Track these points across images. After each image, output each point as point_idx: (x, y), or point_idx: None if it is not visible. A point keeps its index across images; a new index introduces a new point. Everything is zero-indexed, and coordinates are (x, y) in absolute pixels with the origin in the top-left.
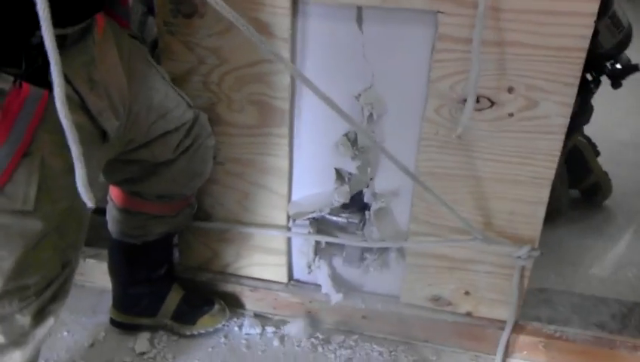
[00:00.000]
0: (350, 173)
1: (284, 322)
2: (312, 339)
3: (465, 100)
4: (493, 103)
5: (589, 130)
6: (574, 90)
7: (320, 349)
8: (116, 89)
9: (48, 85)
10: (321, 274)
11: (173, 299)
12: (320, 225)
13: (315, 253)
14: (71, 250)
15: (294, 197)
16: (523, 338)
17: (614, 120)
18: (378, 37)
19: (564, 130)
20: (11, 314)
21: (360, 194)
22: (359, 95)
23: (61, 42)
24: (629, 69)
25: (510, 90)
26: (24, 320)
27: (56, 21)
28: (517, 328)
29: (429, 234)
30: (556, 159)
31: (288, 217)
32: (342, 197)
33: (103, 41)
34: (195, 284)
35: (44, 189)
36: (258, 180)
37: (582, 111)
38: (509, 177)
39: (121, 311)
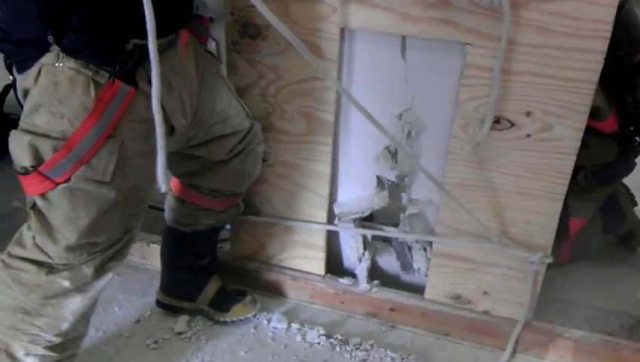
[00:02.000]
0: (390, 181)
1: (310, 321)
2: (332, 339)
3: (491, 123)
4: (513, 125)
5: (633, 178)
6: (585, 117)
7: (337, 349)
8: (188, 94)
9: (135, 84)
10: (359, 268)
11: (212, 288)
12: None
13: (364, 248)
14: (133, 219)
15: (340, 199)
16: (535, 337)
17: None
18: (417, 63)
19: (575, 151)
20: (79, 264)
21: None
22: (400, 115)
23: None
24: None
25: (528, 113)
26: (88, 271)
27: (147, 35)
28: (530, 327)
29: (456, 237)
30: (567, 177)
31: (328, 216)
32: (381, 201)
33: (184, 53)
34: (242, 272)
35: (120, 166)
36: (303, 182)
37: (621, 163)
38: (525, 190)
39: (165, 293)
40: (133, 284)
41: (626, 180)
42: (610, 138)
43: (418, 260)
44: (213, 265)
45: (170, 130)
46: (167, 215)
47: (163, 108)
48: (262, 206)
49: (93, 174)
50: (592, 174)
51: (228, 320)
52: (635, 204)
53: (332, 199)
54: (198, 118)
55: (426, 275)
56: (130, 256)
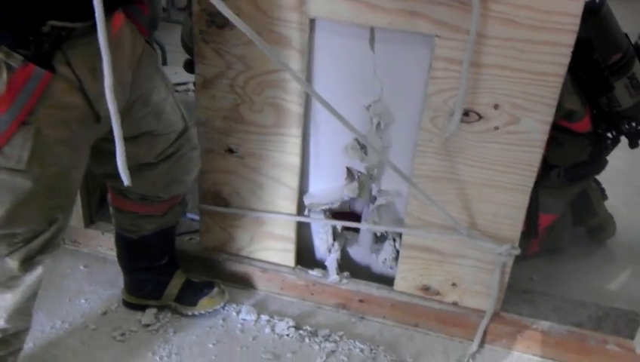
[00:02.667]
0: (360, 172)
1: (279, 313)
2: (301, 331)
3: (460, 116)
4: (481, 117)
5: (606, 172)
6: (552, 110)
7: (307, 340)
8: (118, 82)
9: (52, 68)
10: (329, 260)
11: (176, 284)
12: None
13: (334, 239)
14: (58, 210)
15: (310, 190)
16: (502, 328)
17: (637, 167)
18: (386, 55)
19: (543, 144)
20: (1, 256)
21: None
22: (369, 106)
23: (68, 34)
24: None
25: (496, 106)
26: (13, 264)
27: (67, 16)
28: (498, 318)
29: (424, 229)
30: (535, 169)
31: (298, 208)
32: (351, 192)
33: (116, 39)
34: (211, 263)
35: (36, 154)
36: (272, 174)
37: (593, 161)
38: (493, 183)
39: (130, 293)
40: (100, 276)
41: None
42: (583, 137)
43: (386, 251)
44: (174, 262)
45: (96, 117)
46: (113, 221)
47: (85, 93)
48: (231, 198)
49: (6, 162)
50: (565, 172)
51: (196, 313)
52: (605, 197)
53: (302, 190)
54: (129, 107)
55: (390, 267)
56: (98, 248)
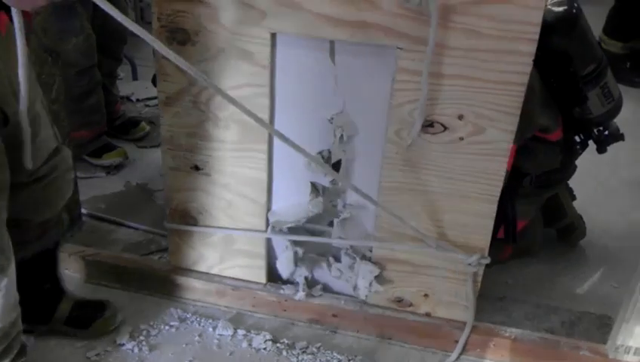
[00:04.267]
0: (324, 187)
1: (256, 327)
2: (278, 344)
3: (421, 126)
4: (446, 128)
5: (578, 174)
6: (516, 119)
7: (284, 353)
8: (9, 82)
9: None
10: (299, 278)
11: (64, 309)
12: (297, 232)
13: (295, 263)
14: None
15: (274, 207)
16: (476, 338)
17: (606, 167)
18: (348, 67)
19: (508, 153)
20: None
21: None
22: (332, 118)
23: None
24: (615, 137)
25: (460, 117)
26: None
27: None
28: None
29: (392, 242)
30: (501, 179)
31: (267, 224)
32: (316, 208)
33: (7, 37)
34: (181, 283)
35: None
36: (240, 190)
37: (564, 168)
38: (460, 193)
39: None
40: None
41: None
42: (555, 145)
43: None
44: (58, 286)
45: (3, 119)
46: None
47: None
48: (200, 216)
49: None
50: (537, 179)
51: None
52: (573, 198)
53: (269, 206)
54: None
55: (366, 296)
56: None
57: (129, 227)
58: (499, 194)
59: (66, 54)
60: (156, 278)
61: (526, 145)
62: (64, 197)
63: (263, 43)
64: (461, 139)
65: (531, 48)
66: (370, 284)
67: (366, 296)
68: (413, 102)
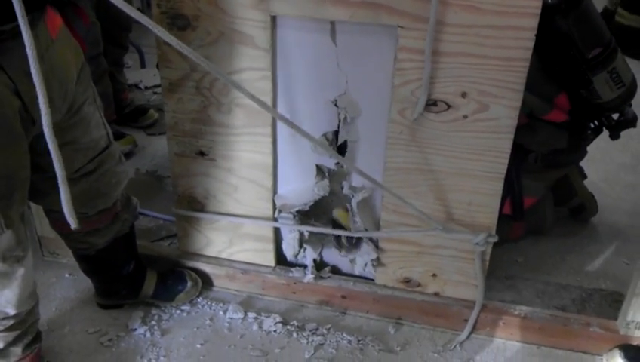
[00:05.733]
0: (330, 169)
1: (266, 309)
2: (288, 326)
3: (425, 104)
4: (449, 106)
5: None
6: (520, 95)
7: (294, 335)
8: (58, 84)
9: None
10: (307, 260)
11: (149, 284)
12: (305, 215)
13: (300, 244)
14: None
15: (280, 191)
16: (485, 316)
17: (617, 143)
18: (349, 48)
19: (513, 130)
20: None
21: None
22: (335, 100)
23: None
24: (625, 123)
25: (464, 95)
26: None
27: None
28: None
29: (399, 223)
30: (507, 156)
31: (274, 207)
32: (322, 190)
33: (58, 41)
34: (190, 267)
35: None
36: (246, 174)
37: (572, 150)
38: (466, 172)
39: (103, 297)
40: (86, 282)
41: None
42: (560, 126)
43: (364, 255)
44: (141, 265)
45: (31, 122)
46: (65, 243)
47: (21, 96)
48: (206, 201)
49: None
50: (543, 157)
51: (175, 306)
52: (584, 177)
53: (276, 190)
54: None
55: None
56: None
57: (139, 213)
58: (505, 172)
59: None
60: (166, 263)
61: (528, 122)
62: (117, 188)
63: (263, 26)
64: (465, 117)
65: (533, 23)
66: (371, 265)
67: (373, 275)
68: (415, 81)
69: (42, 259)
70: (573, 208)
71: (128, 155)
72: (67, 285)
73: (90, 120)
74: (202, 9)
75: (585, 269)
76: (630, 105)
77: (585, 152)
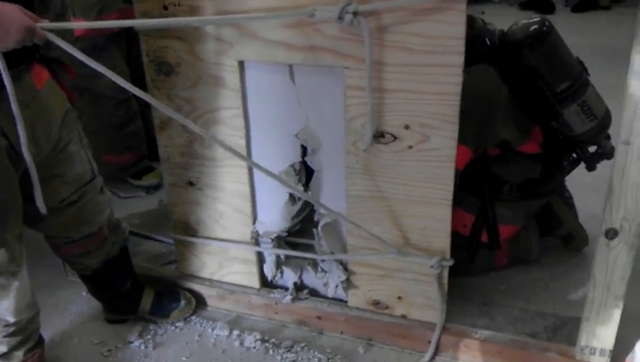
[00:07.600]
0: (299, 196)
1: (250, 328)
2: (267, 344)
3: (373, 136)
4: (395, 138)
5: (582, 180)
6: (456, 127)
7: (270, 352)
8: (42, 126)
9: None
10: (288, 282)
11: (146, 301)
12: (286, 239)
13: (277, 267)
14: None
15: (260, 217)
16: (448, 338)
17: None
18: (307, 87)
19: (454, 158)
20: None
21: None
22: (297, 133)
23: None
24: (601, 155)
25: (407, 127)
26: None
27: None
28: (444, 330)
29: (363, 247)
30: (451, 183)
31: (252, 233)
32: (292, 215)
33: (43, 91)
34: (188, 289)
35: None
36: (229, 202)
37: (546, 181)
38: (417, 198)
39: (109, 313)
40: (97, 301)
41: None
42: (533, 158)
43: (334, 277)
44: (138, 284)
45: (19, 158)
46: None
47: (7, 137)
48: (198, 226)
49: None
50: (517, 187)
51: (170, 322)
52: (570, 206)
53: (255, 216)
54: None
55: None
56: None
57: (155, 240)
58: (452, 198)
59: (101, 90)
60: (166, 284)
61: (501, 153)
62: (100, 215)
63: (233, 70)
64: (410, 147)
65: (459, 60)
66: (342, 287)
67: (346, 297)
68: (363, 115)
69: (66, 278)
70: (562, 238)
71: (157, 187)
72: (82, 302)
73: (75, 157)
74: (182, 57)
75: (566, 297)
76: (608, 137)
77: (561, 183)
